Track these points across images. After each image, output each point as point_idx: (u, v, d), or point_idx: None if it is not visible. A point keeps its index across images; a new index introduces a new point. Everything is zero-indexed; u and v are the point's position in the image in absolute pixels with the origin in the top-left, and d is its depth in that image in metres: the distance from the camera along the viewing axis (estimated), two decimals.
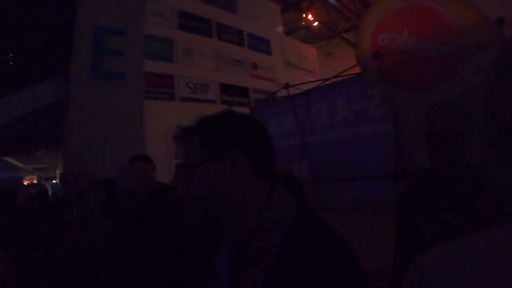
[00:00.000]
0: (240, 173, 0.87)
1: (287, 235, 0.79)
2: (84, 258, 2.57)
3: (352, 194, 4.35)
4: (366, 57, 4.47)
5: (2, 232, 2.89)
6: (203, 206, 0.88)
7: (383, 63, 4.24)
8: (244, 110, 6.41)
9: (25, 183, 28.61)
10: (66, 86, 6.30)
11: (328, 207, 4.01)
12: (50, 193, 12.95)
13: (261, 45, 11.93)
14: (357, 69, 4.83)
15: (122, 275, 1.82)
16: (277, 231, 0.80)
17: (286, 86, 5.61)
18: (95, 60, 6.14)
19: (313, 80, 5.94)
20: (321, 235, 0.79)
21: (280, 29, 13.87)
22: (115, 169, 2.17)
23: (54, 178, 20.80)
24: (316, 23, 15.44)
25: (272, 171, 0.92)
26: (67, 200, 4.94)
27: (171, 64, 8.42)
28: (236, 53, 10.77)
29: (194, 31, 9.60)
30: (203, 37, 9.83)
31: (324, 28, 15.65)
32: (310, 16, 15.03)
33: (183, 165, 0.93)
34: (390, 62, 4.21)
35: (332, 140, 4.86)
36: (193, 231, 1.38)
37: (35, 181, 28.46)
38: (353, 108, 4.64)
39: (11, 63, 11.47)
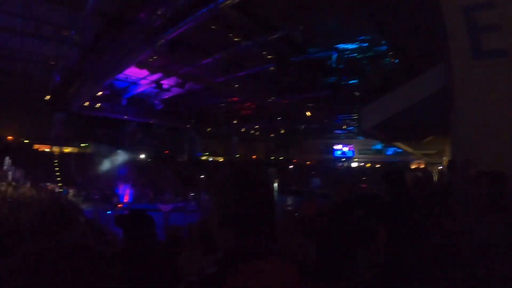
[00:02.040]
0: None
1: None
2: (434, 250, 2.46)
3: None
4: None
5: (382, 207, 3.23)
6: None
7: None
8: None
9: (413, 167, 30.96)
10: (449, 72, 6.16)
11: None
12: (435, 179, 13.29)
13: None
14: None
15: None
16: None
17: None
18: (472, 41, 5.61)
19: None
20: None
21: None
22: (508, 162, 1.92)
23: (440, 164, 21.13)
24: None
25: None
26: (451, 187, 4.90)
27: None
28: None
29: None
30: None
31: None
32: None
33: None
34: None
35: None
36: None
37: (422, 166, 30.17)
38: None
39: (395, 61, 12.64)
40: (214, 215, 1.11)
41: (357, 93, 17.41)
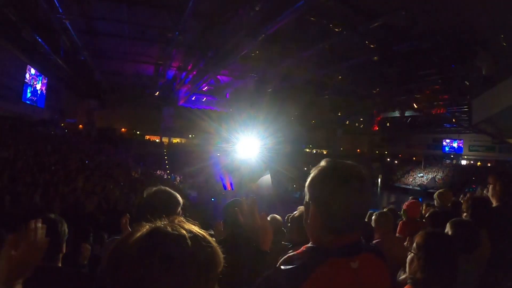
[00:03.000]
0: None
1: None
2: None
3: None
4: None
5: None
6: None
7: None
8: None
9: None
10: None
11: None
12: None
13: None
14: None
15: None
16: None
17: None
18: None
19: None
20: None
21: None
22: None
23: None
24: None
25: None
26: None
27: None
28: None
29: None
30: None
31: None
32: None
33: None
34: None
35: None
36: None
37: None
38: None
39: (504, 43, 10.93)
40: (310, 209, 1.11)
41: (467, 83, 15.71)
